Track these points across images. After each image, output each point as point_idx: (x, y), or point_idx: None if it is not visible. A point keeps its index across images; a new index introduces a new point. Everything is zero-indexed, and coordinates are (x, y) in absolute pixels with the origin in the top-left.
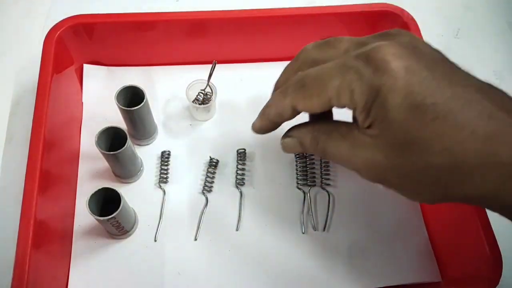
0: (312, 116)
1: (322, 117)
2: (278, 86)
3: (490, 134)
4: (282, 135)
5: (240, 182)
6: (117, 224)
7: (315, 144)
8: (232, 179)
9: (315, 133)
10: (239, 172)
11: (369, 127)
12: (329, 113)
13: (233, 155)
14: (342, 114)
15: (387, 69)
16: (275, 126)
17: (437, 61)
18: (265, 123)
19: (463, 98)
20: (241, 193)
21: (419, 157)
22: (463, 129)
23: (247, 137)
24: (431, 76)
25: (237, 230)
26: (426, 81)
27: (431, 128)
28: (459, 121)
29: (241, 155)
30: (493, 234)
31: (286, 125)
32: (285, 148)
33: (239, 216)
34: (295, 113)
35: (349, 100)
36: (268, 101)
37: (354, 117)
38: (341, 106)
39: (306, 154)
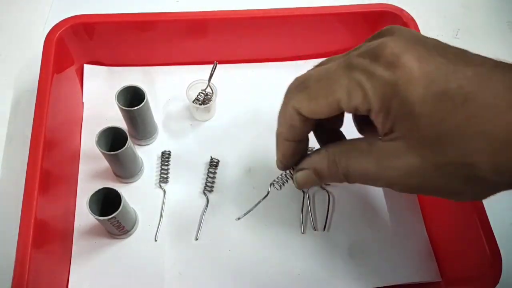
0: (321, 141)
1: (331, 138)
2: None
3: None
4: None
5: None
6: (118, 224)
7: (335, 169)
8: (232, 179)
9: (331, 157)
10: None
11: (391, 131)
12: (338, 132)
13: (233, 155)
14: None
15: (400, 63)
16: (294, 147)
17: (443, 47)
18: (283, 147)
19: (485, 74)
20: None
21: (457, 147)
22: (495, 107)
23: (247, 137)
24: (446, 61)
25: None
26: (443, 66)
27: (461, 113)
28: (489, 98)
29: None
30: (493, 234)
31: None
32: (299, 183)
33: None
34: (302, 120)
35: (362, 100)
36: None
37: (363, 129)
38: (352, 108)
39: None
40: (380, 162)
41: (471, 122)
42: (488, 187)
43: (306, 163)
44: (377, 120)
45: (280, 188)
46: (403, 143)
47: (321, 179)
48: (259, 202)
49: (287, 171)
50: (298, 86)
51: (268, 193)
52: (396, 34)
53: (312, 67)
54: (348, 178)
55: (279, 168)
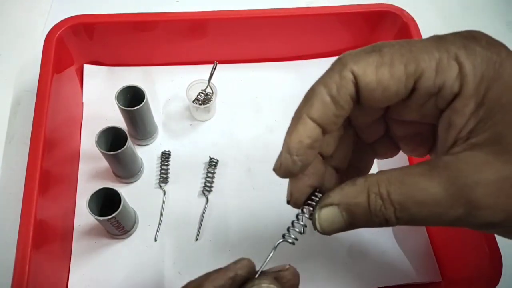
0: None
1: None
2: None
3: None
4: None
5: None
6: (117, 224)
7: (379, 205)
8: (232, 179)
9: (373, 188)
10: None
11: (473, 131)
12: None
13: (233, 155)
14: None
15: (501, 46)
16: (317, 136)
17: None
18: (303, 128)
19: None
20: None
21: None
22: None
23: (247, 137)
24: None
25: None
26: None
27: None
28: None
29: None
30: (493, 234)
31: None
32: (323, 226)
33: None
34: (354, 97)
35: (455, 77)
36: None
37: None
38: (436, 86)
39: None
40: (458, 179)
41: None
42: None
43: (334, 196)
44: (463, 110)
45: (294, 242)
46: (490, 148)
47: (354, 220)
48: (266, 261)
49: (305, 210)
50: (363, 50)
51: (275, 248)
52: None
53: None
54: (402, 214)
55: (292, 202)
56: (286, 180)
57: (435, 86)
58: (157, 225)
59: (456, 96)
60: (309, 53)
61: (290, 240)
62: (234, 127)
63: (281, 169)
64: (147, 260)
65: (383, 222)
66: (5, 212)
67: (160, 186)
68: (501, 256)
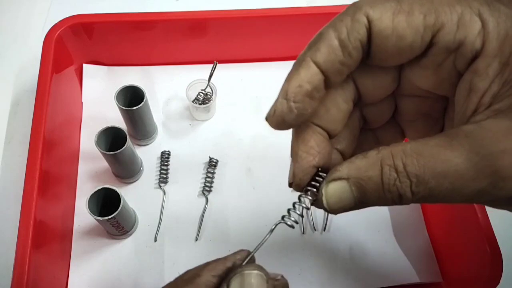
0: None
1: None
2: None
3: None
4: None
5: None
6: (117, 224)
7: (393, 178)
8: (232, 179)
9: (387, 161)
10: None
11: (495, 97)
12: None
13: (233, 155)
14: None
15: None
16: (319, 83)
17: None
18: (305, 72)
19: None
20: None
21: None
22: None
23: (247, 137)
24: None
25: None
26: None
27: None
28: None
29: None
30: (494, 234)
31: None
32: (331, 203)
33: None
34: (364, 43)
35: (477, 33)
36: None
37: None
38: (455, 42)
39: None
40: (482, 148)
41: None
42: None
43: (343, 169)
44: (486, 71)
45: (294, 225)
46: None
47: (364, 196)
48: (260, 244)
49: (308, 194)
50: None
51: (272, 230)
52: None
53: None
54: (419, 189)
55: (295, 184)
56: (285, 179)
57: (455, 41)
58: (157, 225)
59: (477, 55)
60: None
61: (289, 223)
62: (234, 127)
63: (274, 117)
64: (147, 260)
65: (397, 198)
66: (4, 212)
67: (160, 186)
68: (501, 256)
